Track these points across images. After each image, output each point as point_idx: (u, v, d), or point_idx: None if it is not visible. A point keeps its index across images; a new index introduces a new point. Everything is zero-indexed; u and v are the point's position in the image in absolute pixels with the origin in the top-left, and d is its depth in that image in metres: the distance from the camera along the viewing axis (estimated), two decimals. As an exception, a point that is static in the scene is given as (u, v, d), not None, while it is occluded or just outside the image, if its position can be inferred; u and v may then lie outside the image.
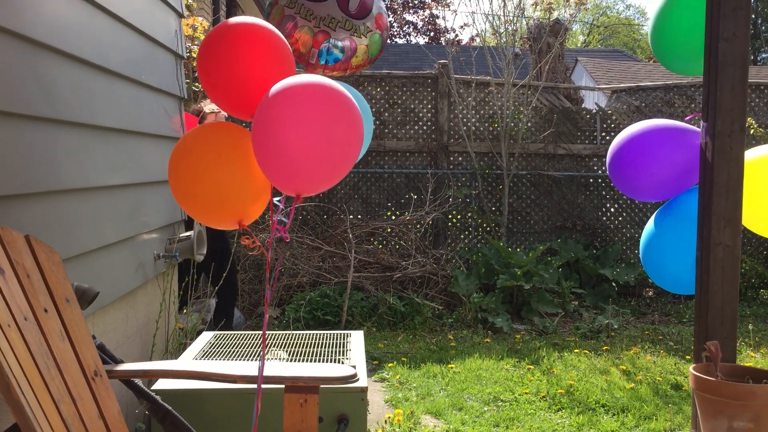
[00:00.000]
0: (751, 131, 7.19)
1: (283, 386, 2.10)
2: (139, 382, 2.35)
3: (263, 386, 2.08)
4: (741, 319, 6.40)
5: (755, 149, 2.97)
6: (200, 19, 5.45)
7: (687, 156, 2.89)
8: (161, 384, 2.70)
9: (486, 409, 4.06)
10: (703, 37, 2.69)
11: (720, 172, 2.60)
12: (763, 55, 22.62)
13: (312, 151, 2.01)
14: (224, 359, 3.15)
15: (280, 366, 2.24)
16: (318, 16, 2.94)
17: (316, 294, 6.07)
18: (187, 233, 4.31)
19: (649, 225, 3.24)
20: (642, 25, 36.08)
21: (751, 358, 5.23)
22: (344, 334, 3.66)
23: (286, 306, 6.11)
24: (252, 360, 3.06)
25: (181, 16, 4.45)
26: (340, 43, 3.00)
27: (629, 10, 38.61)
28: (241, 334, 3.60)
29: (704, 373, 2.31)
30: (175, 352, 4.10)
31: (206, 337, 3.56)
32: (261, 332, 3.59)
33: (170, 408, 2.34)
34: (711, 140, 2.62)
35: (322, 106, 2.02)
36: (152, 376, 2.27)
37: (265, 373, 2.13)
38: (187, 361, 2.95)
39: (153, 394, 2.37)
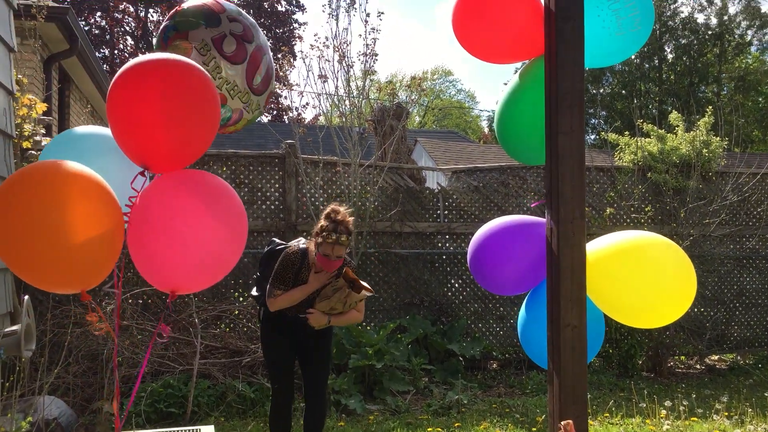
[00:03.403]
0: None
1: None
2: None
3: None
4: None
5: (601, 239, 3.11)
6: (30, 96, 5.11)
7: (540, 248, 3.02)
8: None
9: (344, 500, 3.92)
10: (544, 131, 2.88)
11: (564, 256, 2.75)
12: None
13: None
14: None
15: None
16: (224, 77, 2.84)
17: (159, 384, 5.68)
18: (13, 327, 3.90)
19: (522, 311, 3.35)
20: (472, 108, 38.71)
21: (590, 426, 5.50)
22: (193, 430, 3.42)
23: (125, 399, 5.65)
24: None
25: (10, 93, 4.15)
26: (229, 114, 2.91)
27: (460, 94, 41.24)
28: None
29: (562, 453, 2.37)
30: (-4, 464, 3.63)
31: (35, 445, 3.18)
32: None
33: None
34: (555, 226, 2.77)
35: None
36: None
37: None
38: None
39: None
